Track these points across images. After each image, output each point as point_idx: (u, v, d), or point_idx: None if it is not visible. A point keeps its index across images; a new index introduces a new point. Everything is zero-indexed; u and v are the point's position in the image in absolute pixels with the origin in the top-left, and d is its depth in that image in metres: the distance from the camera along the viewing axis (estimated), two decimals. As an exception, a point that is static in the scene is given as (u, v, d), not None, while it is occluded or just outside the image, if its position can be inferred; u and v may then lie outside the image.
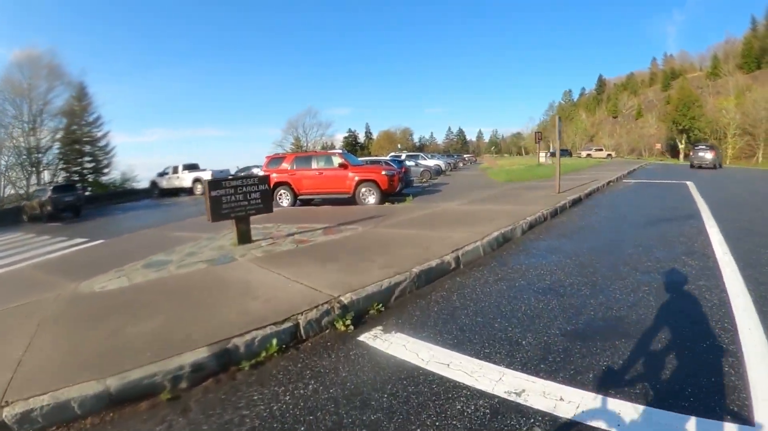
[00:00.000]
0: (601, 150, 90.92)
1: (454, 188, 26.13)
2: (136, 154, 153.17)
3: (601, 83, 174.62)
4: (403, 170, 21.89)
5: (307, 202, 20.87)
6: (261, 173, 19.55)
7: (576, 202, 15.82)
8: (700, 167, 41.83)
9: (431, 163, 43.10)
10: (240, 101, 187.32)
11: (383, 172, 18.94)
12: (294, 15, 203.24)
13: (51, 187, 31.13)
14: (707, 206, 13.90)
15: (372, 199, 18.69)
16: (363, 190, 18.87)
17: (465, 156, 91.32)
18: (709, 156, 43.01)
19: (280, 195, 20.14)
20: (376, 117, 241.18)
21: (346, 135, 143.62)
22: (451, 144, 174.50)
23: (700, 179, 26.37)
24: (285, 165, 20.48)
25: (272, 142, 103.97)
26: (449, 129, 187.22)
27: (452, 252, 8.01)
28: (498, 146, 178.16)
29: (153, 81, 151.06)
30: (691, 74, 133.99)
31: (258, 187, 10.67)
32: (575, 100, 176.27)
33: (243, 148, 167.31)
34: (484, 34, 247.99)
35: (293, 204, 19.97)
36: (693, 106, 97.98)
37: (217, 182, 10.36)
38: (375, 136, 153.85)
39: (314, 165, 20.07)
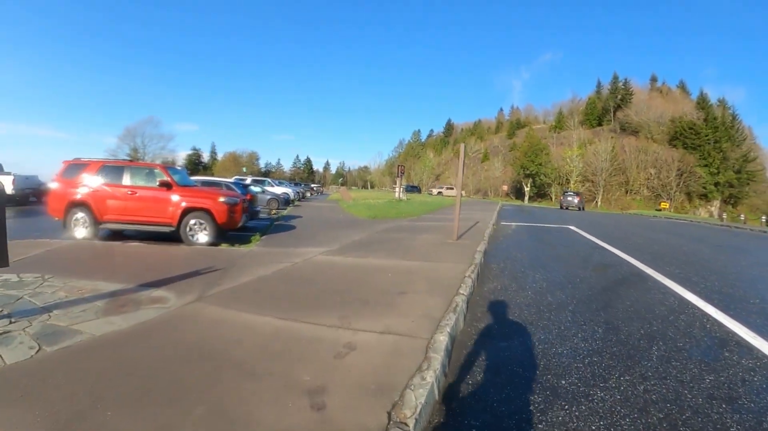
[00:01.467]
0: (451, 188, 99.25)
1: (310, 223, 22.40)
2: None
3: (450, 126, 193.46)
4: (248, 197, 17.01)
5: (117, 234, 15.70)
6: (52, 185, 14.98)
7: (485, 255, 13.03)
8: (567, 208, 58.24)
9: (279, 190, 39.42)
10: (81, 102, 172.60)
11: (222, 199, 14.50)
12: (146, 13, 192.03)
13: None
14: (636, 260, 13.12)
15: (204, 237, 14.19)
16: (192, 221, 14.23)
17: (313, 185, 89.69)
18: (575, 200, 60.98)
19: (75, 220, 14.64)
20: (223, 138, 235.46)
21: (190, 152, 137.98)
22: (298, 172, 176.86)
23: (579, 222, 29.22)
24: (86, 177, 14.90)
25: (106, 149, 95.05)
26: (297, 157, 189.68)
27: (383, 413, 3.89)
28: (344, 178, 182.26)
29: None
30: (535, 125, 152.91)
31: None
32: (423, 140, 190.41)
33: (82, 153, 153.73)
34: (337, 67, 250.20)
35: (93, 235, 14.56)
36: (541, 154, 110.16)
37: None
38: (220, 156, 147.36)
39: (126, 180, 14.81)
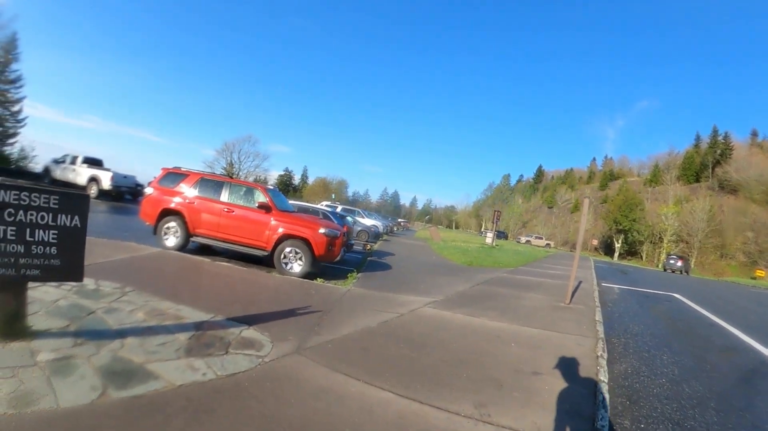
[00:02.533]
0: (540, 238, 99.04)
1: (405, 264, 20.94)
2: (65, 136, 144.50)
3: (540, 173, 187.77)
4: (345, 229, 15.77)
5: (205, 249, 15.02)
6: (148, 190, 14.54)
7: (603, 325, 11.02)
8: (672, 271, 57.06)
9: (369, 222, 37.87)
10: (183, 112, 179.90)
11: (322, 230, 13.40)
12: (255, 43, 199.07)
13: None
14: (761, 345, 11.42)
15: (298, 267, 13.06)
16: (288, 249, 13.17)
17: (400, 220, 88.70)
18: (679, 263, 59.40)
19: (167, 229, 13.98)
20: (315, 162, 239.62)
21: (282, 173, 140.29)
22: (384, 205, 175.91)
23: (681, 289, 26.88)
24: (184, 187, 14.33)
25: (203, 161, 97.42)
26: (385, 190, 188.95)
27: None
28: (431, 216, 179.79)
29: (101, 66, 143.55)
30: (629, 178, 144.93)
31: (58, 217, 5.31)
32: (513, 185, 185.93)
33: (177, 160, 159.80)
34: (431, 105, 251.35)
35: (182, 246, 13.86)
36: (635, 209, 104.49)
37: None
38: (311, 181, 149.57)
39: (224, 196, 14.08)
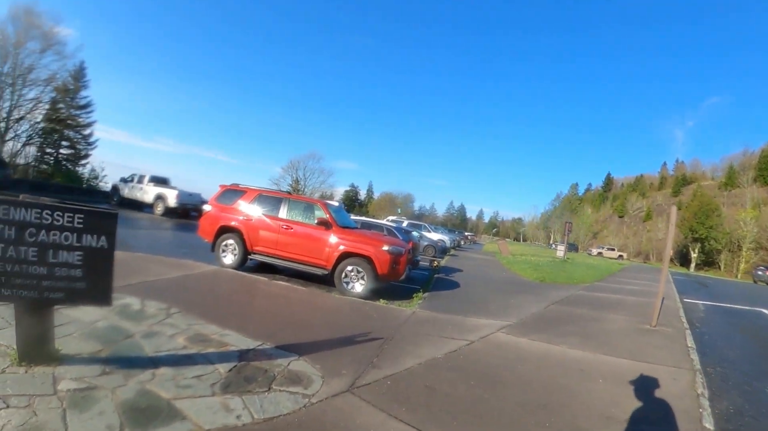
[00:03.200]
0: (612, 250, 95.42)
1: (474, 281, 20.14)
2: (140, 158, 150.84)
3: (609, 181, 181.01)
4: (410, 245, 14.95)
5: (264, 267, 14.42)
6: (206, 207, 14.53)
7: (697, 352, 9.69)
8: (766, 284, 52.38)
9: (436, 236, 36.44)
10: (251, 132, 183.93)
11: (385, 247, 12.67)
12: (318, 61, 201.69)
13: None
14: None
15: (359, 287, 12.35)
16: (349, 268, 12.51)
17: (467, 234, 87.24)
18: None
19: (225, 246, 13.74)
20: (380, 177, 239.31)
21: (348, 189, 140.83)
22: (451, 218, 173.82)
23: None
24: (242, 204, 14.07)
25: (270, 178, 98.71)
26: (451, 203, 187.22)
27: None
28: (498, 229, 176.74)
29: (173, 90, 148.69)
30: (703, 182, 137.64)
31: (82, 238, 4.89)
32: (581, 194, 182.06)
33: (245, 179, 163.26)
34: (494, 115, 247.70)
35: (240, 264, 13.53)
36: (712, 215, 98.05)
37: None
38: (376, 196, 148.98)
39: (283, 213, 13.67)
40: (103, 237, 4.86)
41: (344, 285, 12.30)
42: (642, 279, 31.15)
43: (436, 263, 24.85)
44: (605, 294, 18.74)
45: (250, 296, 10.14)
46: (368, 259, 12.31)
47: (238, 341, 6.41)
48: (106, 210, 5.03)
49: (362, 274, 12.28)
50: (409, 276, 14.99)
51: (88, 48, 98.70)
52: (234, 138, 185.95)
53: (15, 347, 4.79)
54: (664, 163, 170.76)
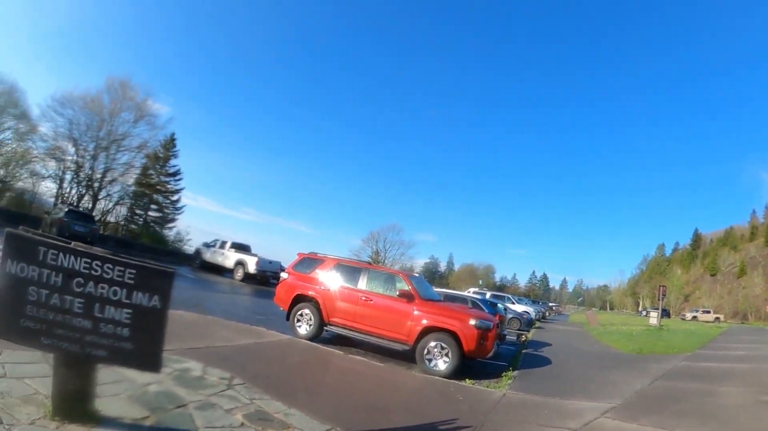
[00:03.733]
0: (708, 312, 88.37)
1: (565, 356, 18.71)
2: (224, 225, 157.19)
3: (697, 238, 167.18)
4: (497, 319, 13.96)
5: (340, 339, 13.72)
6: (283, 275, 14.35)
7: None
8: None
9: (520, 308, 34.70)
10: (330, 204, 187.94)
11: (473, 321, 11.66)
12: (392, 138, 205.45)
13: (65, 210, 31.11)
14: None
15: (443, 364, 11.33)
16: (432, 344, 11.54)
17: (552, 305, 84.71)
18: None
19: (300, 315, 13.26)
20: (459, 249, 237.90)
21: (428, 261, 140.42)
22: (533, 289, 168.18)
23: None
24: (320, 273, 13.68)
25: (349, 249, 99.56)
26: (533, 273, 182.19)
27: None
28: (583, 298, 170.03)
29: (258, 163, 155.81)
30: None
31: (133, 295, 4.38)
32: (669, 255, 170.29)
33: (324, 248, 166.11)
34: (572, 179, 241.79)
35: (315, 335, 12.96)
36: None
37: (29, 241, 4.42)
38: (457, 267, 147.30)
39: (362, 283, 13.07)
40: (156, 297, 4.35)
41: (426, 362, 11.37)
42: (746, 342, 28.99)
43: (524, 337, 23.75)
44: (712, 364, 17.01)
45: (323, 371, 9.47)
46: (454, 334, 11.37)
47: (303, 423, 5.66)
48: (162, 267, 4.49)
49: (446, 351, 11.30)
50: (497, 352, 13.80)
51: (179, 121, 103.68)
52: (315, 209, 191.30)
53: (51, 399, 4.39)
54: (753, 211, 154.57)
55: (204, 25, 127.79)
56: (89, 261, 4.20)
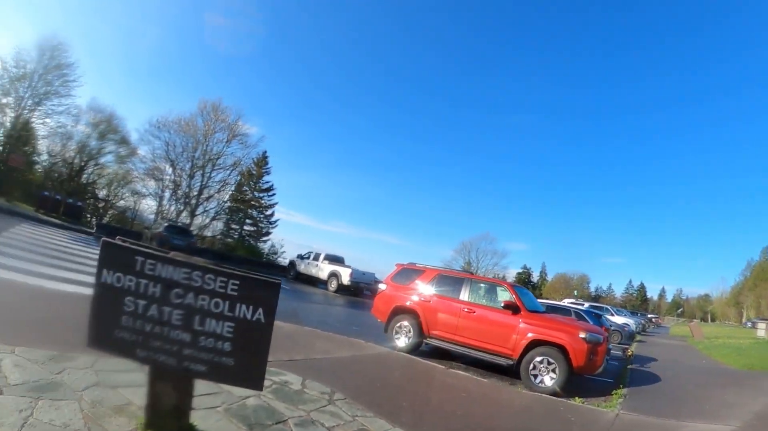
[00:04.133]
0: None
1: (672, 371, 17.39)
2: (317, 238, 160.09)
3: None
4: (606, 333, 13.24)
5: (439, 352, 13.26)
6: (381, 286, 14.22)
7: None
8: None
9: (621, 320, 33.11)
10: (421, 215, 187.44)
11: (582, 334, 10.95)
12: (487, 144, 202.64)
13: (165, 225, 33.36)
14: None
15: (549, 381, 10.65)
16: (538, 358, 10.89)
17: (651, 316, 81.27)
18: None
19: (399, 327, 12.99)
20: (552, 258, 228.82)
21: (520, 271, 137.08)
22: (630, 299, 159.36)
23: None
24: (419, 284, 13.41)
25: (441, 260, 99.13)
26: (630, 283, 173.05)
27: None
28: (682, 308, 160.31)
29: (350, 178, 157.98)
30: None
31: (235, 307, 4.08)
32: None
33: (415, 259, 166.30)
34: (672, 182, 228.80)
35: (414, 347, 12.64)
36: None
37: (125, 250, 4.24)
38: (550, 277, 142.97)
39: (464, 294, 12.65)
40: (260, 310, 4.10)
41: (532, 378, 10.76)
42: None
43: (629, 352, 22.47)
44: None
45: (425, 386, 9.13)
46: (562, 349, 10.72)
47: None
48: (266, 278, 4.22)
49: (553, 366, 10.65)
50: (605, 368, 12.95)
51: (270, 140, 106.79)
52: (406, 221, 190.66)
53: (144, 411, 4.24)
54: None
55: (289, 54, 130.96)
56: (189, 271, 4.01)
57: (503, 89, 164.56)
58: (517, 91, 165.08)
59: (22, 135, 41.60)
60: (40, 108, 42.78)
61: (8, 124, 41.45)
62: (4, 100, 40.93)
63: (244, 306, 3.99)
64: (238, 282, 4.01)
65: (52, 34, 43.88)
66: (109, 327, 4.00)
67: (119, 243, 4.07)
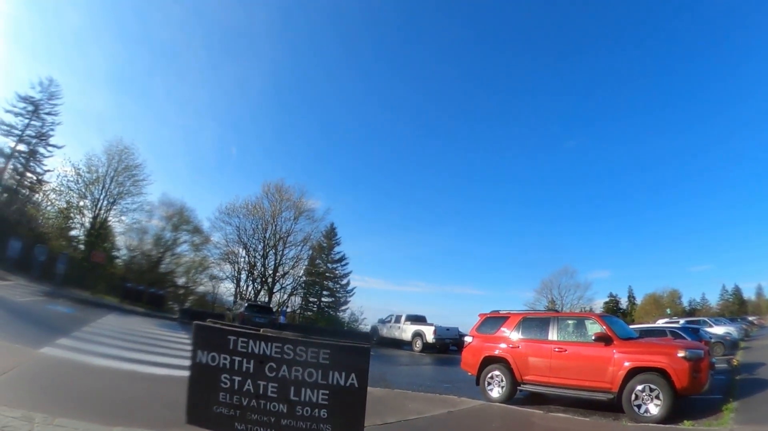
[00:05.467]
0: None
1: None
2: (395, 300, 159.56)
3: None
4: (706, 347, 12.74)
5: (534, 397, 13.08)
6: (467, 339, 14.25)
7: None
8: None
9: (721, 330, 31.63)
10: (497, 261, 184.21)
11: (681, 353, 10.43)
12: (544, 184, 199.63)
13: (245, 305, 34.55)
14: None
15: (655, 408, 10.13)
16: (639, 387, 10.43)
17: (751, 319, 76.00)
18: None
19: (490, 378, 12.85)
20: (638, 279, 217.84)
21: (607, 300, 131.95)
22: (727, 305, 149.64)
23: None
24: (505, 331, 13.24)
25: (524, 303, 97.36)
26: (723, 287, 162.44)
27: None
28: None
29: (420, 237, 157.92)
30: None
31: (329, 375, 4.30)
32: None
33: (497, 307, 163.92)
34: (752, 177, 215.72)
35: (509, 396, 12.37)
36: None
37: (217, 331, 4.59)
38: (639, 300, 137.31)
39: (552, 335, 12.41)
40: (353, 375, 4.30)
41: (635, 409, 10.28)
42: None
43: (735, 361, 21.16)
44: None
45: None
46: (663, 372, 10.24)
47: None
48: (356, 344, 4.33)
49: (656, 392, 10.17)
50: (711, 384, 12.07)
51: (336, 212, 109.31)
52: (483, 270, 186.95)
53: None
54: None
55: (343, 120, 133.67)
56: (280, 345, 4.26)
57: (554, 113, 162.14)
58: (567, 116, 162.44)
59: (101, 233, 44.99)
60: (115, 207, 46.79)
61: (87, 224, 45.05)
62: (82, 203, 44.79)
63: (336, 374, 4.17)
64: (329, 351, 4.21)
65: (118, 140, 47.59)
66: (206, 403, 4.24)
67: (211, 325, 4.29)
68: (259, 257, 54.44)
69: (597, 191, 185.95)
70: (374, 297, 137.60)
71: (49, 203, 45.06)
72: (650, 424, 9.66)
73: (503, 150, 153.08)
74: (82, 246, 44.21)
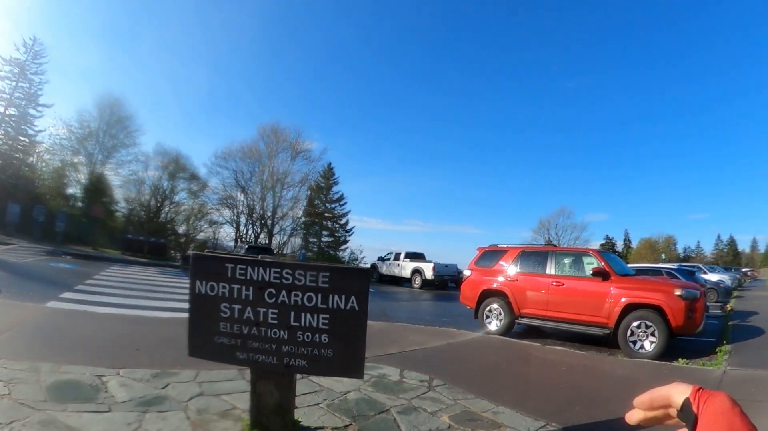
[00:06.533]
0: None
1: None
2: (394, 239, 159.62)
3: None
4: (703, 289, 12.75)
5: (532, 331, 13.38)
6: (466, 272, 14.25)
7: None
8: None
9: (715, 277, 31.57)
10: (494, 201, 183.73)
11: (678, 292, 10.49)
12: (549, 120, 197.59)
13: (245, 247, 34.98)
14: None
15: (649, 345, 10.35)
16: (635, 323, 10.58)
17: (745, 270, 76.50)
18: None
19: (489, 311, 12.97)
20: (635, 224, 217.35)
21: (603, 242, 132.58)
22: (721, 255, 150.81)
23: None
24: (503, 264, 13.25)
25: (521, 241, 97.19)
26: (718, 237, 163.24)
27: None
28: None
29: (417, 177, 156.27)
30: None
31: (329, 298, 4.22)
32: None
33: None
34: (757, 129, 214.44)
35: (507, 329, 12.54)
36: None
37: (215, 260, 4.53)
38: (634, 244, 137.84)
39: (550, 269, 12.44)
40: (353, 298, 4.22)
41: (631, 345, 10.49)
42: None
43: (728, 307, 21.56)
44: None
45: (523, 365, 9.07)
46: (658, 309, 10.34)
47: (514, 421, 5.35)
48: (355, 267, 4.35)
49: (651, 329, 10.32)
50: (705, 326, 12.18)
51: (333, 151, 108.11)
52: (481, 210, 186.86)
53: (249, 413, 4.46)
54: None
55: (338, 62, 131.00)
56: (279, 270, 4.18)
57: (558, 55, 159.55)
58: (574, 53, 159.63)
59: (98, 187, 44.41)
60: (110, 160, 46.23)
61: (84, 180, 44.53)
62: (76, 160, 44.38)
63: (336, 297, 4.14)
64: (328, 274, 4.17)
65: (107, 93, 47.41)
66: (207, 334, 4.22)
67: (209, 254, 4.27)
68: (257, 200, 54.72)
69: (599, 139, 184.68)
70: (373, 237, 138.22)
71: (43, 164, 45.00)
72: (645, 360, 9.80)
73: (502, 99, 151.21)
74: (80, 203, 44.23)
